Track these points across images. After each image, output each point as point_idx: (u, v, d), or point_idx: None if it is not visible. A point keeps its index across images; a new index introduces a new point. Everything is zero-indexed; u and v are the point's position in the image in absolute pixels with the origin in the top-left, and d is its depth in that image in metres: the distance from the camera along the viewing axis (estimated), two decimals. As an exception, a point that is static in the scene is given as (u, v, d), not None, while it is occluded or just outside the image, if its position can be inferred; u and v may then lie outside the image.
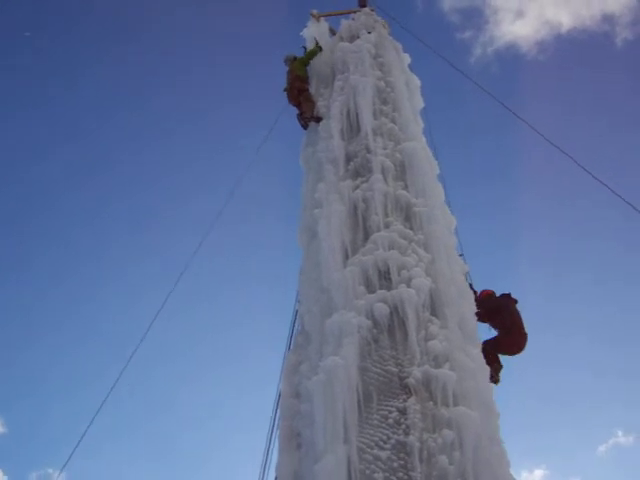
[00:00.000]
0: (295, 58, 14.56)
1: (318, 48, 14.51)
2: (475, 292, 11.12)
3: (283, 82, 14.39)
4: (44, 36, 34.22)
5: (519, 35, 42.37)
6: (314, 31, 15.50)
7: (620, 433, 30.96)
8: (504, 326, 10.95)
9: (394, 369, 8.36)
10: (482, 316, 10.57)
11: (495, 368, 10.67)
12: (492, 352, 10.26)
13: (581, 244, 30.72)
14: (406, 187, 10.92)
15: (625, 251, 29.36)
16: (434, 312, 9.09)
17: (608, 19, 34.54)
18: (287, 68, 14.51)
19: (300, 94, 13.81)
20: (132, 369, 11.52)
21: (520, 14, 38.35)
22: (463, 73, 16.20)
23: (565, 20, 40.57)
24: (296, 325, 10.77)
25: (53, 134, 34.35)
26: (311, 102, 13.56)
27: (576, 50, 35.70)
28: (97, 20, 34.73)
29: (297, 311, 10.82)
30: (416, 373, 8.19)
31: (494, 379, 10.63)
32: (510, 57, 36.46)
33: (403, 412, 7.88)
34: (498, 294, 11.54)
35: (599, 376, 27.43)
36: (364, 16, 15.71)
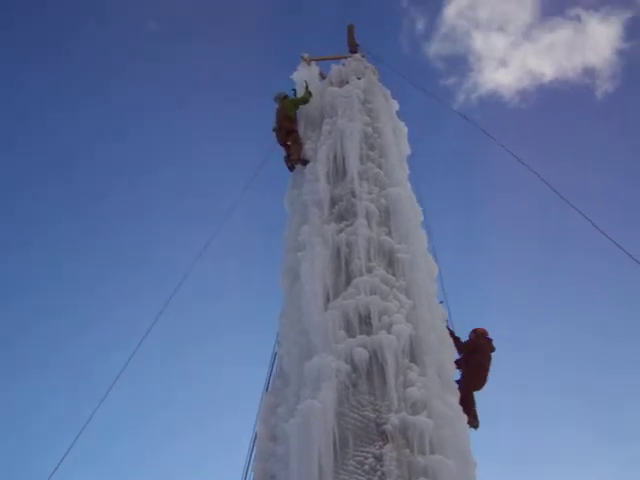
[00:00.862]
0: (285, 97, 14.66)
1: (308, 94, 14.62)
2: (457, 338, 11.31)
3: (269, 126, 14.46)
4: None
5: (502, 83, 43.04)
6: (304, 74, 15.63)
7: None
8: (473, 365, 11.23)
9: (371, 415, 8.34)
10: (461, 346, 11.22)
11: (472, 411, 10.76)
12: (464, 393, 10.36)
13: (559, 280, 30.93)
14: (390, 233, 10.98)
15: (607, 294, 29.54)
16: (413, 359, 9.09)
17: (589, 72, 35.25)
18: (277, 106, 14.59)
19: (289, 135, 13.90)
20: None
21: (503, 63, 38.98)
22: (463, 116, 16.33)
23: (547, 70, 41.30)
24: (275, 367, 10.72)
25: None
26: (299, 144, 13.66)
27: (558, 100, 36.30)
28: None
29: (276, 353, 10.77)
30: (393, 420, 8.17)
31: (473, 424, 10.72)
32: (493, 104, 36.93)
33: (379, 459, 7.85)
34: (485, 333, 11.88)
35: (573, 426, 27.35)
36: (355, 62, 15.92)
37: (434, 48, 37.24)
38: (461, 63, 38.20)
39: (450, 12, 38.76)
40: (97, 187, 33.23)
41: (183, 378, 29.94)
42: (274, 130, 14.21)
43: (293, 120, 14.17)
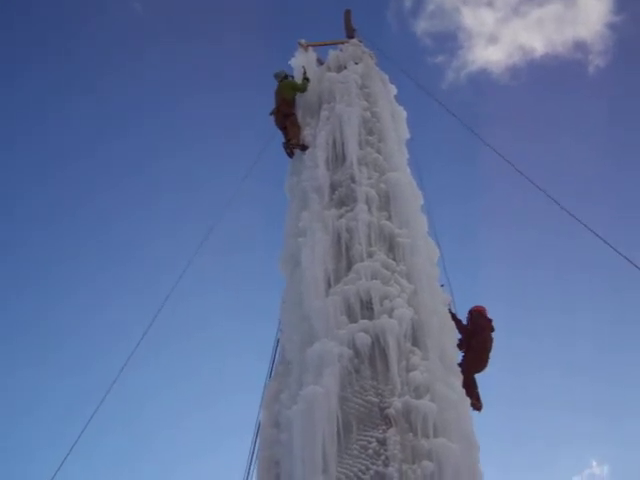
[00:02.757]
0: (286, 76, 14.57)
1: (307, 80, 14.54)
2: (458, 320, 11.33)
3: (267, 115, 14.39)
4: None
5: (492, 60, 42.52)
6: (302, 60, 15.58)
7: (594, 463, 30.93)
8: (475, 347, 11.29)
9: (374, 399, 8.34)
10: (464, 329, 11.29)
11: (475, 394, 10.80)
12: (466, 375, 10.37)
13: (548, 271, 30.97)
14: (390, 217, 10.96)
15: (593, 280, 29.61)
16: (416, 343, 9.09)
17: (580, 46, 34.91)
18: (277, 84, 14.49)
19: (286, 118, 13.85)
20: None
21: (493, 39, 38.57)
22: (452, 113, 16.21)
23: (538, 46, 40.84)
24: (277, 353, 10.73)
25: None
26: (297, 127, 13.61)
27: (549, 76, 35.99)
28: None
29: (278, 339, 10.78)
30: (397, 404, 8.18)
31: (477, 406, 10.76)
32: (482, 82, 36.61)
33: (383, 443, 7.85)
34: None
35: (572, 408, 27.48)
36: (352, 47, 15.86)
37: (422, 25, 37.03)
38: (450, 40, 37.88)
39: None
40: (98, 180, 33.28)
41: (187, 367, 30.07)
42: (271, 113, 14.16)
43: (291, 103, 14.11)
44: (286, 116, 13.83)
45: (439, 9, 36.37)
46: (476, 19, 37.93)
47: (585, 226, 11.09)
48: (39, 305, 31.63)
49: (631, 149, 33.35)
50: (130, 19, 34.32)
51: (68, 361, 30.22)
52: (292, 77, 14.99)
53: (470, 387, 10.58)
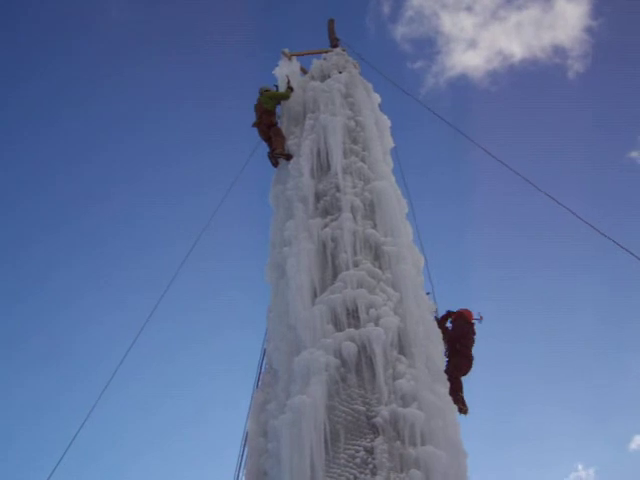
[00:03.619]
0: (267, 90, 14.61)
1: (290, 89, 14.57)
2: (445, 328, 11.47)
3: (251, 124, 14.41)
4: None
5: (471, 65, 42.44)
6: (286, 70, 15.59)
7: (580, 467, 31.11)
8: (460, 350, 11.53)
9: (362, 408, 8.36)
10: (449, 334, 11.54)
11: (461, 398, 10.87)
12: (451, 379, 10.43)
13: (539, 271, 31.17)
14: (375, 226, 10.99)
15: (586, 277, 29.81)
16: (402, 351, 9.11)
17: (559, 51, 35.01)
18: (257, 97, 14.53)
19: (269, 129, 13.87)
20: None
21: (472, 44, 38.55)
22: (443, 118, 16.28)
23: (517, 50, 40.84)
24: (264, 363, 10.73)
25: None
26: (281, 136, 13.62)
27: (528, 81, 36.15)
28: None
29: (265, 349, 10.78)
30: (384, 412, 8.19)
31: (463, 410, 10.83)
32: (462, 87, 36.69)
33: (370, 452, 7.87)
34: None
35: (557, 411, 27.65)
36: (336, 56, 15.88)
37: (401, 30, 36.79)
38: (429, 45, 37.84)
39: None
40: (85, 194, 33.21)
41: (174, 378, 29.96)
42: (254, 125, 14.17)
43: (272, 113, 14.12)
44: (269, 126, 13.84)
45: (418, 14, 36.26)
46: (455, 24, 37.87)
47: (587, 222, 11.27)
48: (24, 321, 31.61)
49: (610, 153, 33.75)
50: (110, 34, 34.20)
51: (48, 383, 30.07)
52: (276, 87, 15.03)
53: (455, 390, 10.66)
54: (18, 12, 33.01)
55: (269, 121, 13.92)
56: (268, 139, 13.78)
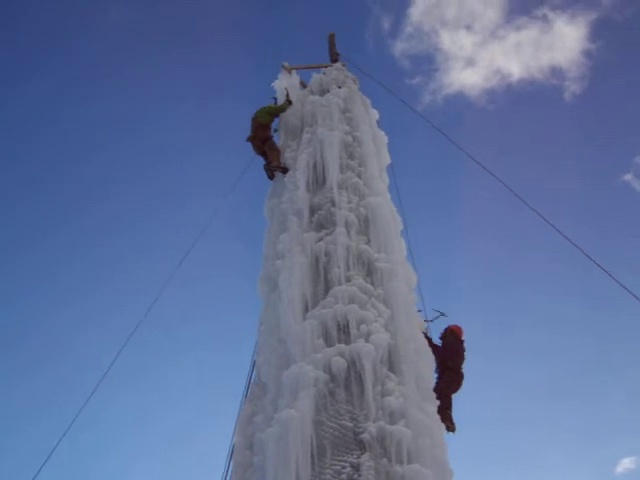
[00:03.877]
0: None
1: (289, 102, 14.60)
2: (435, 345, 11.40)
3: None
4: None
5: (469, 83, 42.66)
6: (285, 83, 15.63)
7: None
8: (451, 367, 11.46)
9: (349, 424, 8.33)
10: (439, 352, 11.41)
11: (449, 415, 10.85)
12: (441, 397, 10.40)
13: (530, 287, 31.24)
14: (369, 242, 10.99)
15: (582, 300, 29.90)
16: (391, 368, 9.09)
17: (556, 72, 35.18)
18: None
19: (264, 143, 13.88)
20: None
21: (470, 62, 38.70)
22: (439, 129, 16.31)
23: (515, 70, 40.99)
24: (254, 375, 10.70)
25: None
26: (276, 150, 13.63)
27: (525, 101, 36.33)
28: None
29: (254, 362, 10.75)
30: (371, 429, 8.17)
31: (450, 428, 10.80)
32: (459, 104, 36.80)
33: (357, 468, 7.84)
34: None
35: (545, 433, 27.63)
36: (335, 71, 15.92)
37: (400, 47, 36.92)
38: (427, 62, 37.93)
39: (416, 10, 38.30)
40: (85, 194, 33.19)
41: (161, 391, 29.82)
42: (248, 140, 14.16)
43: (267, 127, 14.11)
44: (264, 141, 13.85)
45: (417, 31, 36.40)
46: (454, 42, 38.07)
47: (578, 247, 11.30)
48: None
49: (604, 175, 33.94)
50: (110, 34, 34.25)
51: (45, 384, 29.91)
52: (275, 99, 15.06)
53: (446, 408, 10.64)
54: (18, 12, 33.00)
55: (264, 136, 13.92)
56: (263, 153, 13.79)
